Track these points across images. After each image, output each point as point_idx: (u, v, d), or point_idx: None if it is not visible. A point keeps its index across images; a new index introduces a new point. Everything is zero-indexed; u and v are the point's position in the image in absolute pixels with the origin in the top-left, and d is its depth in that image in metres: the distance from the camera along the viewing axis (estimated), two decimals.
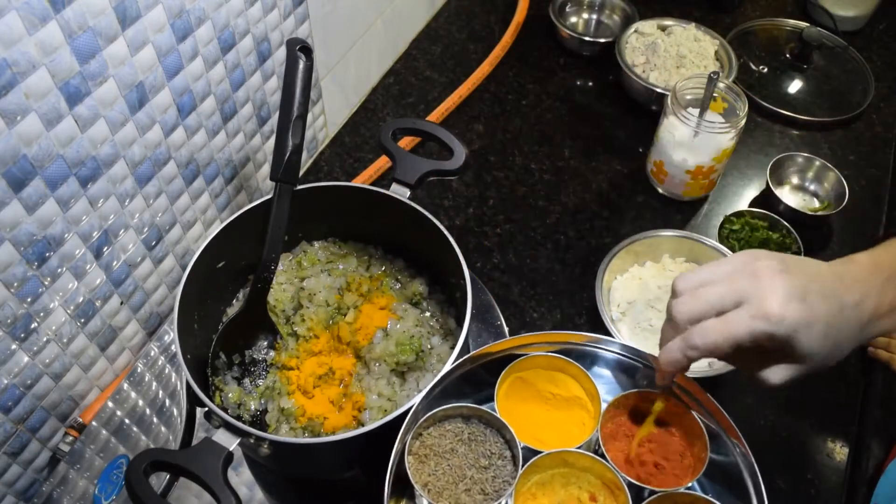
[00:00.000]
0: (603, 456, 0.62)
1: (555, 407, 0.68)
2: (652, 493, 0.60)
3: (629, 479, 0.60)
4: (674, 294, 0.54)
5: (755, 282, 0.50)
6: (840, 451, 0.78)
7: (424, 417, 0.63)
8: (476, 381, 0.68)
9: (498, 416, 0.63)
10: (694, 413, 0.63)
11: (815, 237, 0.95)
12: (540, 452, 0.62)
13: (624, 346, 0.68)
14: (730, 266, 0.53)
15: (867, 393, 0.84)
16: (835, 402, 0.82)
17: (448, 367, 0.63)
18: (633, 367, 0.68)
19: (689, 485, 0.61)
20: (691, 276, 0.54)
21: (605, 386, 0.69)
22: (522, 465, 0.61)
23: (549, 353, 0.67)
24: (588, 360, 0.69)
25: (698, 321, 0.52)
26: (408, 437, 0.62)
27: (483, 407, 0.64)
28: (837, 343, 0.52)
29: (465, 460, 0.63)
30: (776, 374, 0.53)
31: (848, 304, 0.52)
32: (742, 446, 0.61)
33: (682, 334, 0.52)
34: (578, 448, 0.62)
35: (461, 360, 0.65)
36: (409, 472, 0.60)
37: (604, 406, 0.65)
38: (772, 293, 0.49)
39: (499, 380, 0.66)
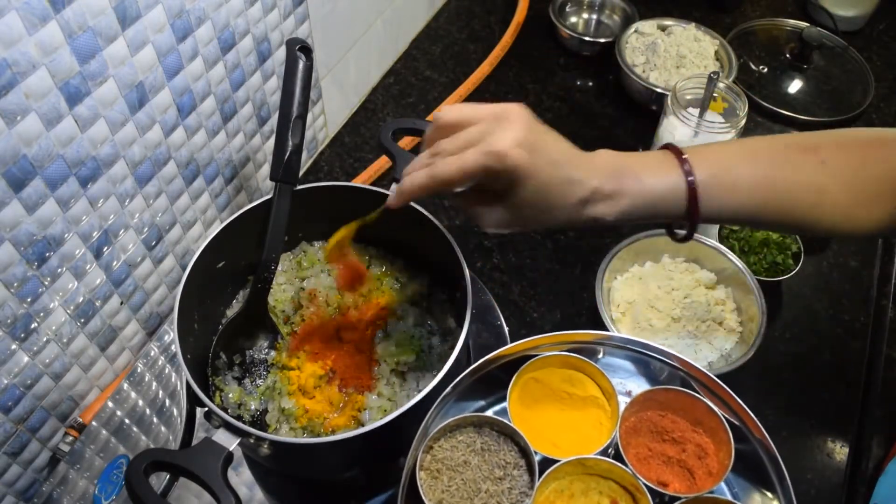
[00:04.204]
0: (622, 459, 0.61)
1: (571, 407, 0.66)
2: (673, 499, 0.59)
3: (649, 483, 0.59)
4: (435, 123, 0.57)
5: (499, 124, 0.54)
6: (840, 451, 0.78)
7: (435, 430, 0.61)
8: (490, 382, 0.67)
9: (510, 423, 0.61)
10: (719, 412, 0.62)
11: (815, 236, 0.95)
12: (557, 460, 0.60)
13: (636, 342, 0.67)
14: (490, 109, 0.56)
15: (867, 393, 0.84)
16: (835, 402, 0.82)
17: (448, 367, 0.62)
18: (647, 363, 0.68)
19: (711, 489, 0.60)
20: (453, 111, 0.56)
21: (621, 384, 0.69)
22: (539, 474, 0.59)
23: (564, 353, 0.66)
24: (599, 358, 0.69)
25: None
26: (418, 451, 0.60)
27: (495, 414, 0.62)
28: (550, 206, 0.55)
29: (479, 473, 0.60)
30: (491, 217, 0.56)
31: (574, 178, 0.56)
32: (766, 444, 0.60)
33: (430, 167, 0.55)
34: (597, 453, 0.61)
35: (477, 363, 0.63)
36: (421, 489, 0.58)
37: (622, 405, 0.64)
38: (504, 135, 0.53)
39: (511, 382, 0.64)
